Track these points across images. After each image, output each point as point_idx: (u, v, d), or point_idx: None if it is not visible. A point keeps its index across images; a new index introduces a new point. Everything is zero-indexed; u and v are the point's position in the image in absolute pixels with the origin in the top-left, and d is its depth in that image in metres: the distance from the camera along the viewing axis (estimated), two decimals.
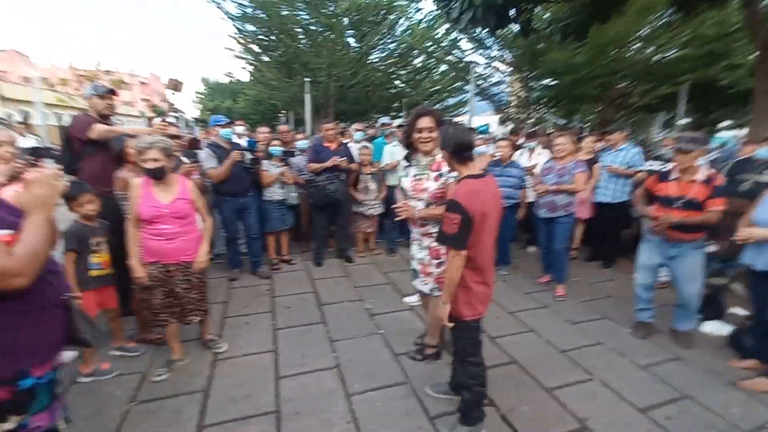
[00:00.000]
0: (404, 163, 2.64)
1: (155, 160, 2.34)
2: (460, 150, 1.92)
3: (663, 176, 3.10)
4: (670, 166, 3.72)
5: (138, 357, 2.78)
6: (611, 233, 4.75)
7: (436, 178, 2.38)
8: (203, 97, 43.83)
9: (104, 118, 3.17)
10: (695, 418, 2.27)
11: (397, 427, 2.17)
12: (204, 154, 3.90)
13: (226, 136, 4.00)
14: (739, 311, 3.57)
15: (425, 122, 2.35)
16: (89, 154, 3.09)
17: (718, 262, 3.46)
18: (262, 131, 5.01)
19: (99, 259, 2.46)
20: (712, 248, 3.38)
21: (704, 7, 5.81)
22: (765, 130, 5.27)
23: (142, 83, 54.42)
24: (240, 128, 5.23)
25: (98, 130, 2.98)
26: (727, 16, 9.42)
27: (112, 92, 3.21)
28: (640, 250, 3.22)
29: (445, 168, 2.33)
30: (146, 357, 2.79)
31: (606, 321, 3.44)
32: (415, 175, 2.49)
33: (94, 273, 2.45)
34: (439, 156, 2.34)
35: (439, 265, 2.49)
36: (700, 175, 2.87)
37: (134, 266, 2.43)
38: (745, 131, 18.60)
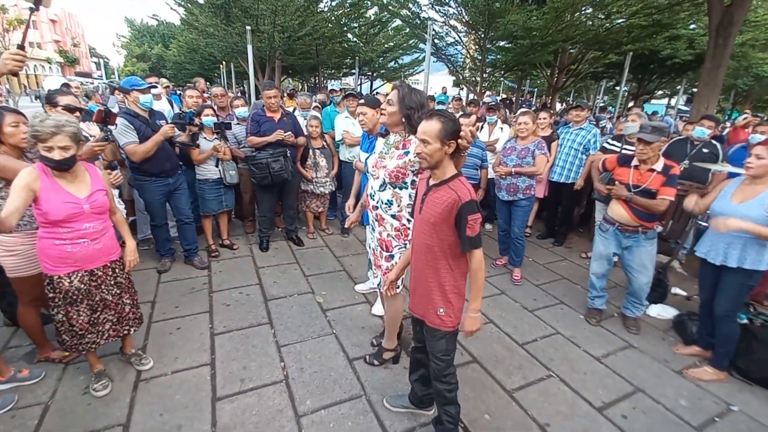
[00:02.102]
0: (379, 141, 2.37)
1: (64, 148, 1.83)
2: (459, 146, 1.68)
3: (624, 160, 3.03)
4: (630, 149, 3.69)
5: (39, 382, 2.30)
6: (564, 212, 4.76)
7: (399, 156, 2.16)
8: (127, 41, 38.73)
9: None
10: (648, 415, 2.29)
11: None
12: (117, 125, 3.18)
13: (146, 105, 3.28)
14: (680, 291, 3.75)
15: (391, 94, 2.17)
16: None
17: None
18: (191, 95, 4.26)
19: None
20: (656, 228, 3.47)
21: None
22: (710, 105, 5.46)
23: (52, 21, 46.88)
24: (157, 89, 4.37)
25: None
26: None
27: None
28: (595, 241, 3.19)
29: (411, 147, 2.12)
30: (50, 381, 2.31)
31: (561, 306, 3.44)
32: (380, 152, 2.29)
33: None
34: (409, 136, 2.16)
35: (388, 258, 2.30)
36: (659, 164, 2.80)
37: None
38: (674, 101, 19.86)
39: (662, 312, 3.33)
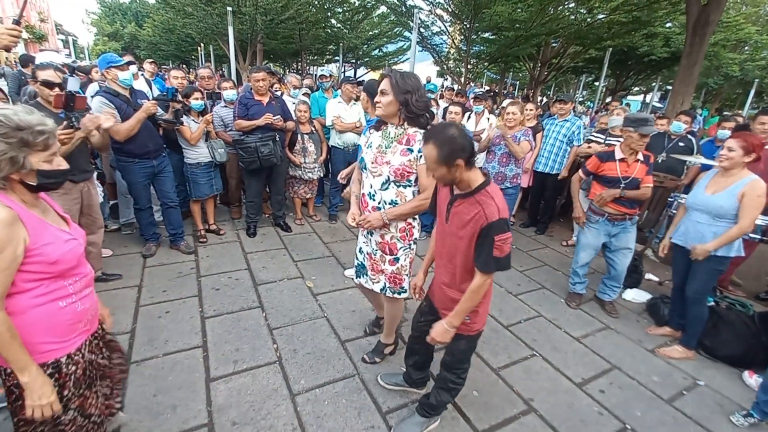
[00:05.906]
0: (373, 134, 2.18)
1: (55, 153, 1.24)
2: (471, 156, 1.54)
3: (604, 157, 3.10)
4: (613, 142, 3.82)
5: None
6: (548, 202, 4.91)
7: (403, 153, 1.98)
8: (98, 18, 36.83)
9: None
10: (624, 390, 2.45)
11: (348, 428, 2.03)
12: (97, 104, 3.07)
13: (125, 82, 3.17)
14: (653, 277, 3.96)
15: (383, 84, 1.97)
16: None
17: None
18: (175, 75, 4.14)
19: None
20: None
21: None
22: (684, 102, 5.69)
23: None
24: (147, 68, 4.26)
25: None
26: None
27: None
28: (583, 232, 3.26)
29: (416, 145, 1.95)
30: None
31: (543, 291, 3.58)
32: (378, 146, 2.07)
33: None
34: (411, 130, 1.98)
35: (393, 261, 2.14)
36: (641, 154, 2.94)
37: (35, 384, 1.18)
38: (649, 97, 20.53)
39: (637, 296, 3.51)
